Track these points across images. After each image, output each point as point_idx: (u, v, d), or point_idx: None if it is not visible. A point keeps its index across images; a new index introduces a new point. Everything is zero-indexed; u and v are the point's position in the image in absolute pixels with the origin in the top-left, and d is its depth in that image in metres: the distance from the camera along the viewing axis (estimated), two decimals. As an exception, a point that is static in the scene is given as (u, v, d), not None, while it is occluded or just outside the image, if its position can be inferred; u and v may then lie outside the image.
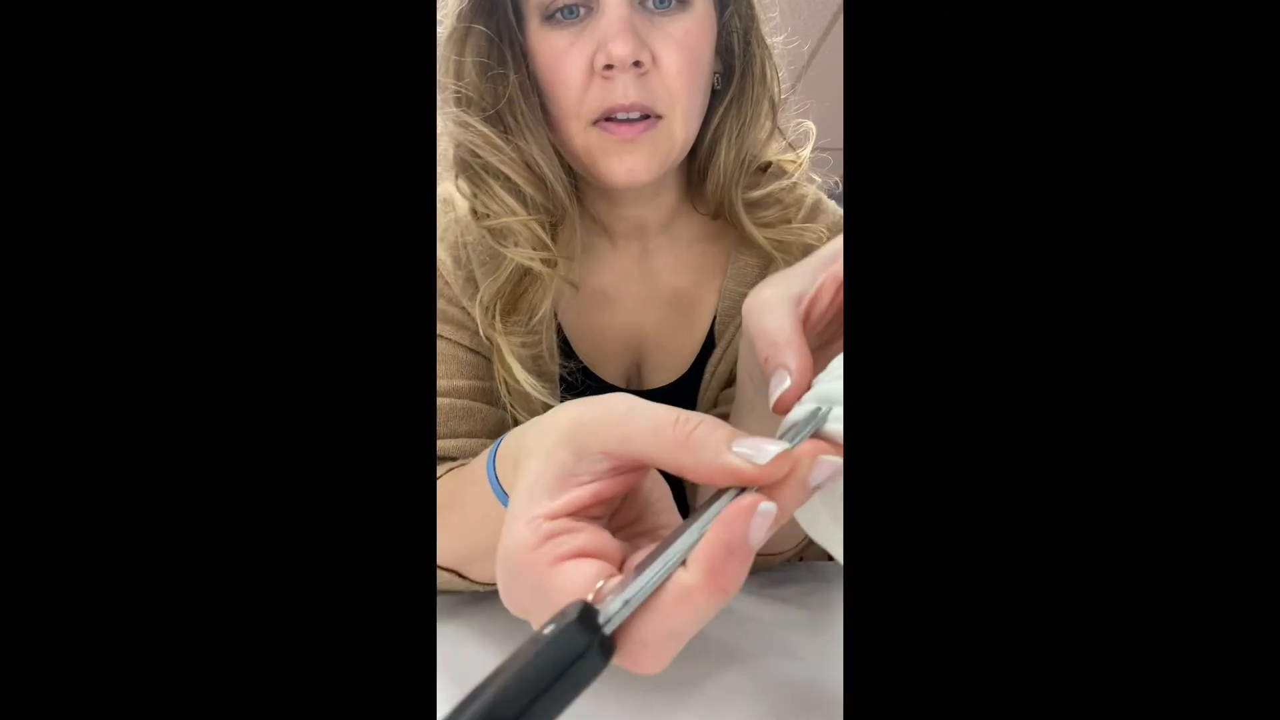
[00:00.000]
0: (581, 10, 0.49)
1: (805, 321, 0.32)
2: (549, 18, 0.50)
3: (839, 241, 0.33)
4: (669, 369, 0.62)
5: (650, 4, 0.49)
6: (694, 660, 0.41)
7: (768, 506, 0.21)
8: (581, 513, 0.25)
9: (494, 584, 0.54)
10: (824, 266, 0.33)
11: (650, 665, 0.21)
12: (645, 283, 0.63)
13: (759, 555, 0.61)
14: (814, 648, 0.43)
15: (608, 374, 0.62)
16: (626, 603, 0.20)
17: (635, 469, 0.26)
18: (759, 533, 0.21)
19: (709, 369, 0.60)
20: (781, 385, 0.29)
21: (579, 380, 0.61)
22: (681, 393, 0.61)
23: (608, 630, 0.20)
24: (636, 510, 0.28)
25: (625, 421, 0.24)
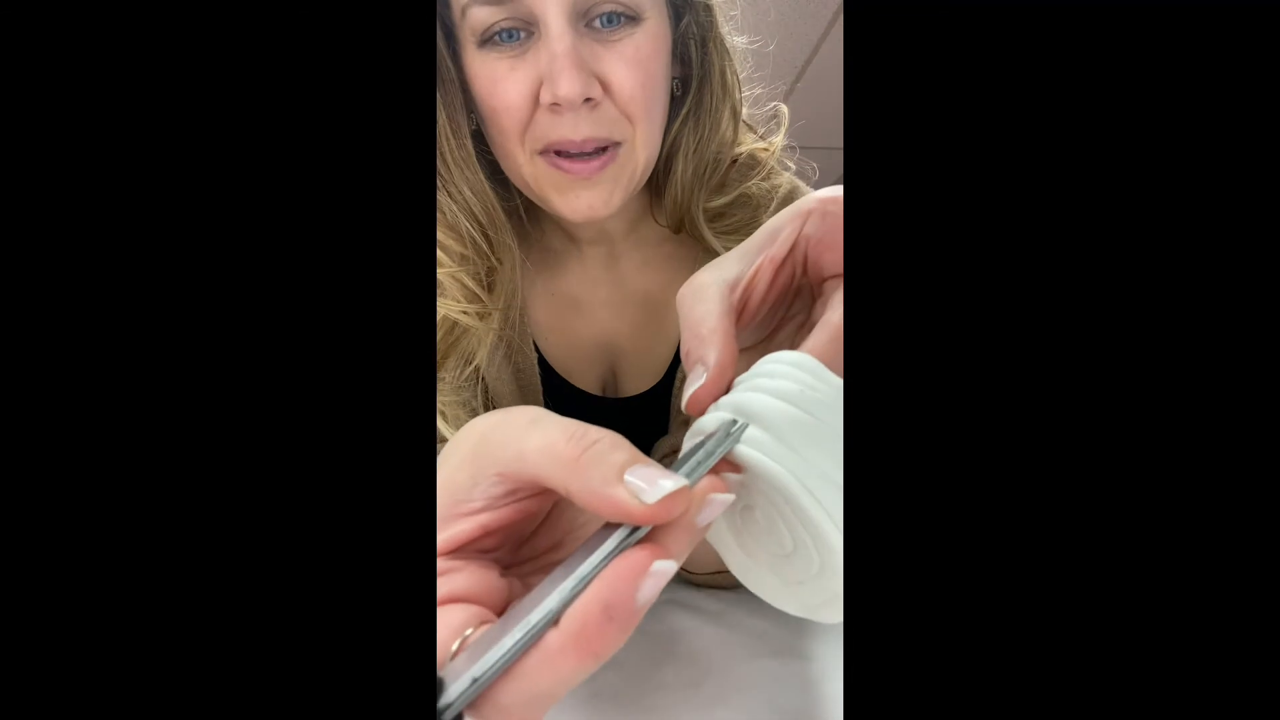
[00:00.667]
0: (521, 33, 0.45)
1: (742, 310, 0.29)
2: (486, 41, 0.46)
3: (778, 219, 0.29)
4: (644, 375, 0.60)
5: (597, 23, 0.45)
6: (696, 660, 0.41)
7: (663, 565, 0.18)
8: (468, 546, 0.22)
9: None
10: (763, 248, 0.29)
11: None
12: (615, 287, 0.60)
13: (720, 574, 0.59)
14: (814, 647, 0.43)
15: (583, 382, 0.60)
16: (475, 681, 0.18)
17: (535, 493, 0.23)
18: (649, 594, 0.18)
19: (679, 375, 0.58)
20: (696, 382, 0.25)
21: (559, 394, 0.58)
22: (657, 400, 0.60)
23: (448, 716, 0.18)
24: (556, 536, 0.25)
25: (523, 438, 0.21)
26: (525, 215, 0.57)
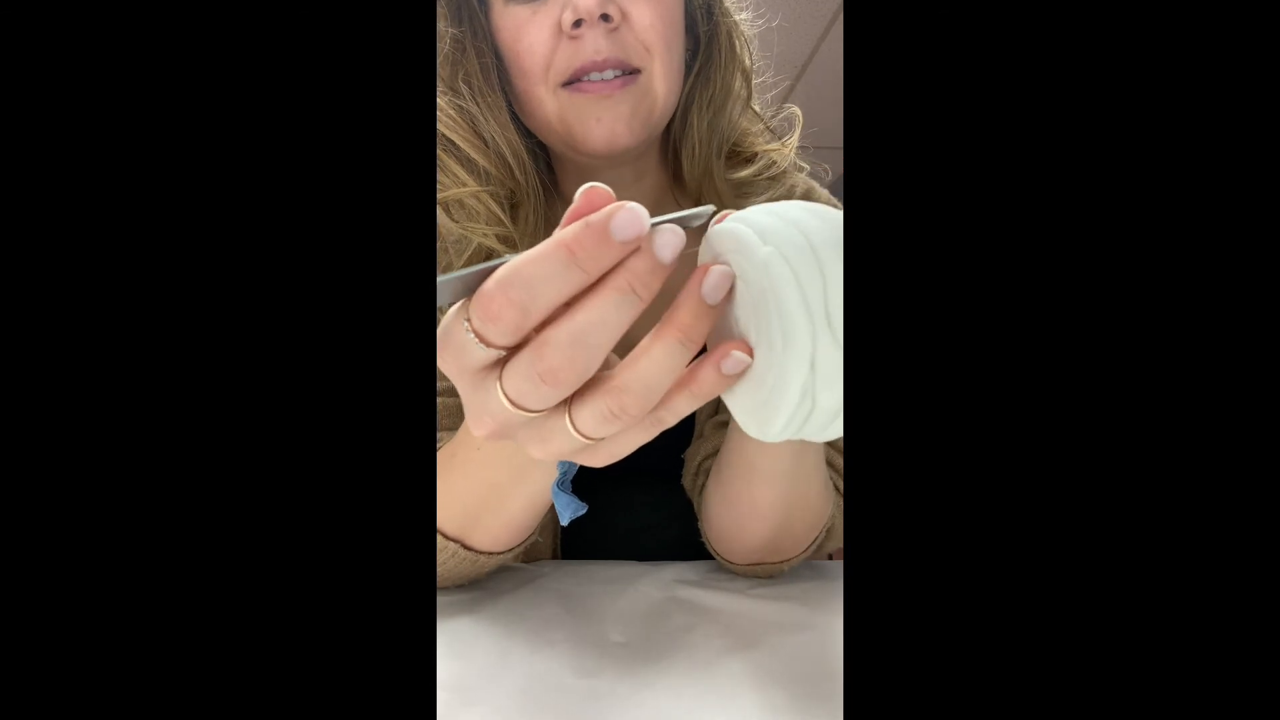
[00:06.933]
0: None
1: None
2: None
3: None
4: None
5: None
6: (695, 658, 0.42)
7: (633, 206, 0.22)
8: None
9: (497, 551, 0.54)
10: None
11: (499, 309, 0.22)
12: None
13: (770, 563, 0.61)
14: (816, 644, 0.43)
15: None
16: (459, 275, 0.23)
17: None
18: (620, 223, 0.22)
19: None
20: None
21: None
22: None
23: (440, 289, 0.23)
24: None
25: None
26: (543, 200, 0.58)
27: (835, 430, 0.25)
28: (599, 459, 0.26)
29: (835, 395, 0.24)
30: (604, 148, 0.51)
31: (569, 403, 0.24)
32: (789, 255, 0.23)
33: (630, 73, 0.50)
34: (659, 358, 0.23)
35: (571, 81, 0.50)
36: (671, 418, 0.25)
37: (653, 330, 0.24)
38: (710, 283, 0.23)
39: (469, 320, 0.23)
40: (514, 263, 0.22)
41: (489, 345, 0.23)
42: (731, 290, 0.24)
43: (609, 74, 0.49)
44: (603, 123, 0.50)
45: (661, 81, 0.51)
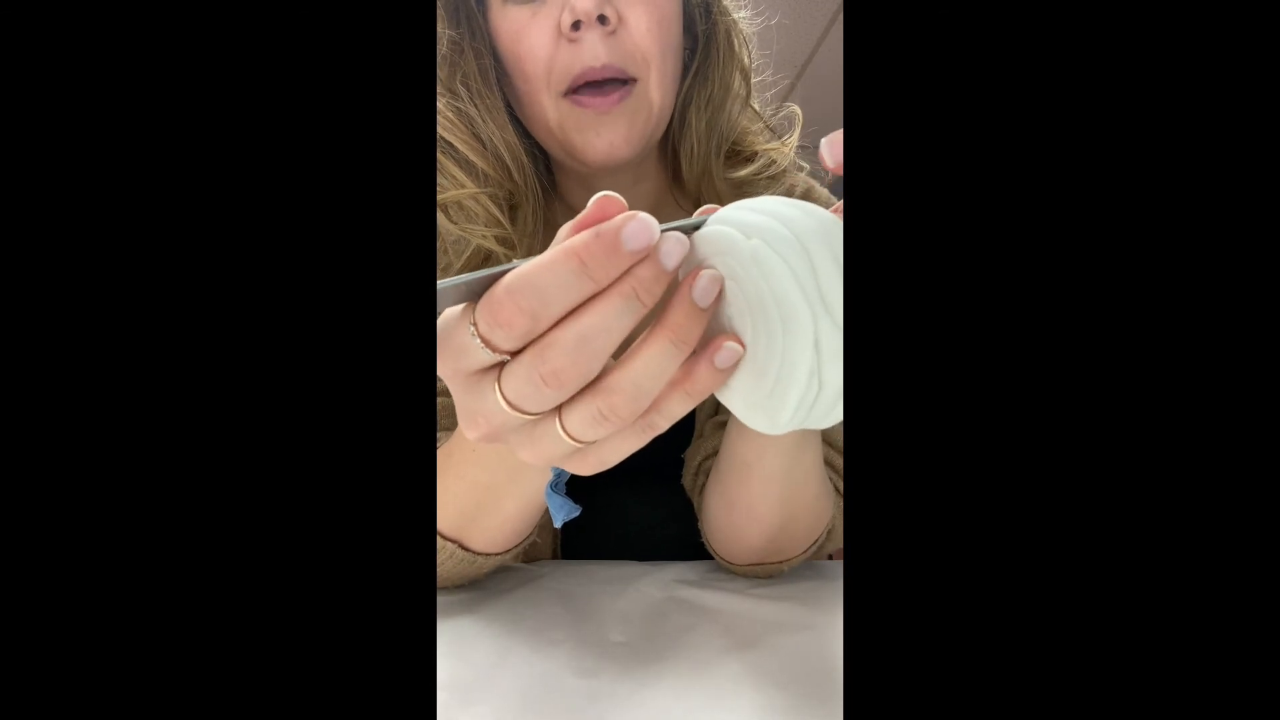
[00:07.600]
0: None
1: None
2: None
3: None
4: None
5: None
6: (701, 649, 0.42)
7: (645, 217, 0.22)
8: None
9: (495, 552, 0.54)
10: None
11: (509, 316, 0.22)
12: None
13: (770, 564, 0.62)
14: (816, 644, 0.43)
15: None
16: (465, 281, 0.23)
17: None
18: (631, 233, 0.22)
19: None
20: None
21: None
22: None
23: (440, 291, 0.23)
24: None
25: None
26: (541, 202, 0.58)
27: (837, 413, 0.25)
28: (588, 466, 0.26)
29: (839, 374, 0.24)
30: (603, 161, 0.51)
31: (559, 407, 0.25)
32: (774, 245, 0.23)
33: (628, 81, 0.50)
34: (651, 359, 0.24)
35: (571, 90, 0.50)
36: (664, 421, 0.25)
37: (644, 333, 0.24)
38: (700, 286, 0.24)
39: (474, 325, 0.23)
40: (524, 270, 0.23)
41: (495, 350, 0.24)
42: (721, 293, 0.25)
43: (607, 79, 0.49)
44: (601, 136, 0.50)
45: (657, 90, 0.51)
